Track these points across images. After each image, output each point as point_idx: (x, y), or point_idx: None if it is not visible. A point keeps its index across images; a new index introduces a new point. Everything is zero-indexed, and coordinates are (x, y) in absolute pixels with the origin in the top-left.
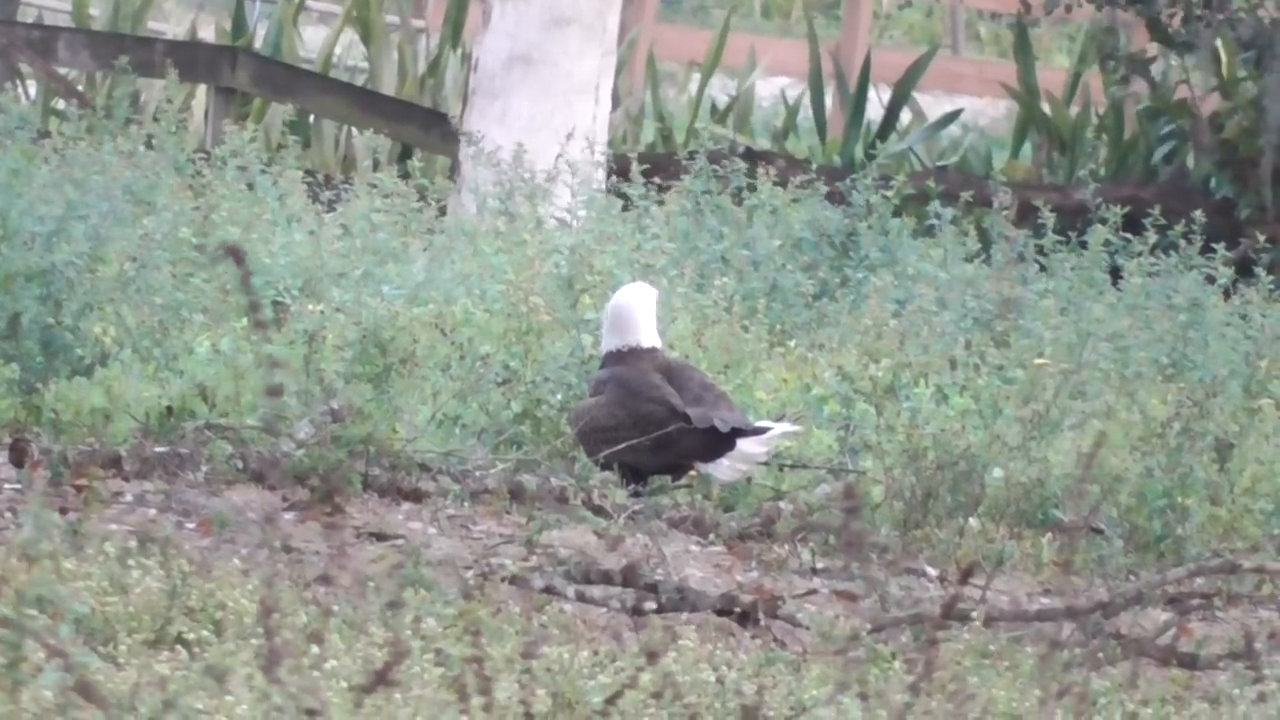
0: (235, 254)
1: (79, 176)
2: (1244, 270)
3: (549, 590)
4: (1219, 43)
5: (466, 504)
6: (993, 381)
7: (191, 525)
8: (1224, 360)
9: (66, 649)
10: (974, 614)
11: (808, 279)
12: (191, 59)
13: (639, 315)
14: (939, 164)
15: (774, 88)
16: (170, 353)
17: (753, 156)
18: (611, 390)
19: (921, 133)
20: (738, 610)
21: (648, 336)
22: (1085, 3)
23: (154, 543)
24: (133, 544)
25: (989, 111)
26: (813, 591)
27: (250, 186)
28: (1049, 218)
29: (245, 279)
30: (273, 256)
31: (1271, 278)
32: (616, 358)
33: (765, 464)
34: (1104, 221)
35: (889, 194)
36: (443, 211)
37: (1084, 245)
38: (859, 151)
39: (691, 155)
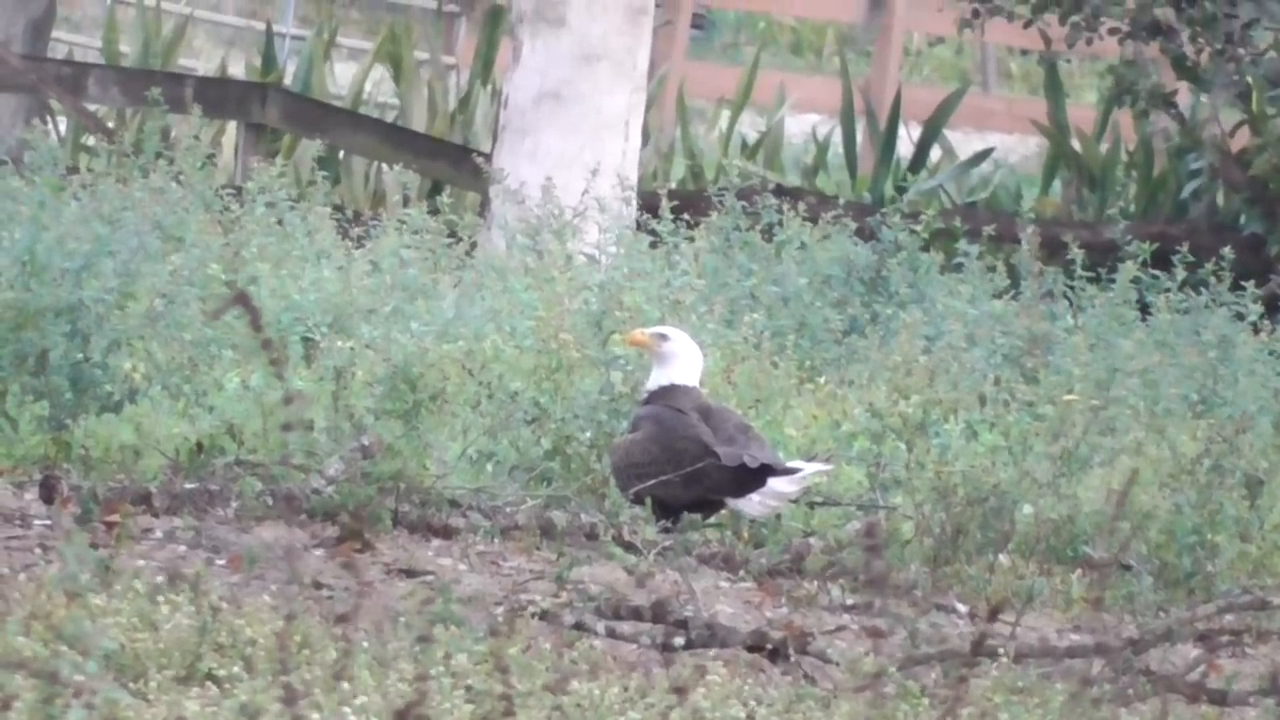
0: (243, 300)
1: (108, 212)
2: (1273, 307)
3: (579, 626)
4: (1249, 79)
5: (496, 540)
6: (1022, 418)
7: (221, 562)
8: (1254, 397)
9: (96, 685)
10: (1003, 650)
11: (837, 315)
12: (222, 95)
13: (690, 356)
14: (969, 200)
15: (804, 124)
16: (200, 389)
17: (782, 193)
18: (647, 427)
19: (952, 171)
20: (768, 646)
21: (691, 376)
22: (1107, 35)
23: (184, 579)
24: (162, 580)
25: (1019, 148)
26: (842, 628)
27: (280, 222)
28: (1078, 254)
29: (255, 321)
30: (302, 293)
31: None
32: (659, 395)
33: (795, 501)
34: (1133, 258)
35: (918, 230)
36: (473, 248)
37: (1113, 282)
38: (889, 188)
39: (721, 192)
